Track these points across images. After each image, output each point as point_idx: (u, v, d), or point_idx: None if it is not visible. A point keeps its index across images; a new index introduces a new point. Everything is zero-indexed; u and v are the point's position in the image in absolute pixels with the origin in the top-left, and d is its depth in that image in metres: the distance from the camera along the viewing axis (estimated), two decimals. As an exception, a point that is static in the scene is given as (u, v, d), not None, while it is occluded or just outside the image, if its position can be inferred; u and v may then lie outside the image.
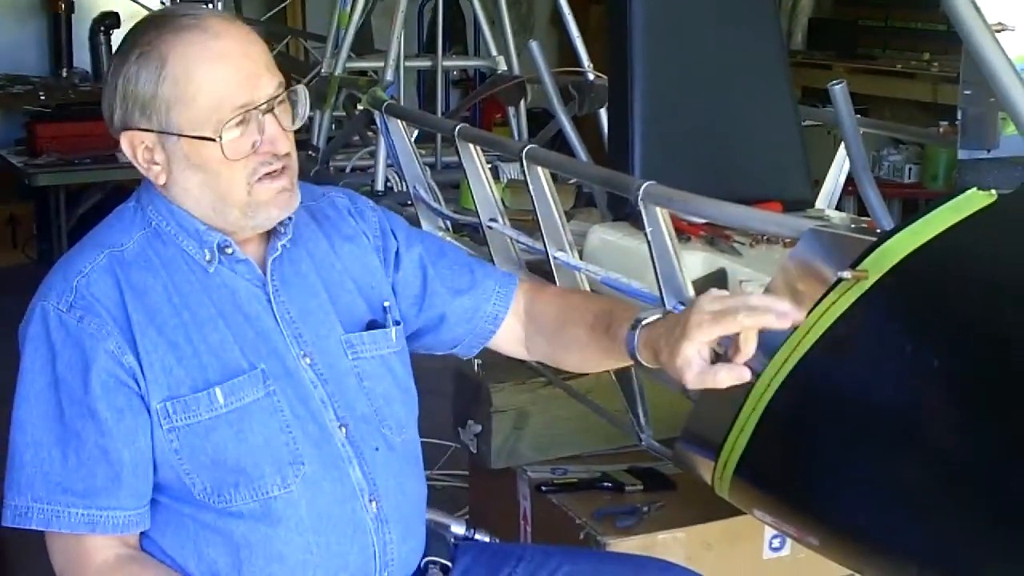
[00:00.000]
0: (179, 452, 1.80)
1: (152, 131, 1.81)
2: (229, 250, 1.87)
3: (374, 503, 1.88)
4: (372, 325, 1.97)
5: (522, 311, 2.10)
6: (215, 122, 1.78)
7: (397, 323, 2.01)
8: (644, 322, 1.83)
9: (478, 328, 2.09)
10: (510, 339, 2.12)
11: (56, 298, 1.80)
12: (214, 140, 1.78)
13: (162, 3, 7.95)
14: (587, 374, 2.73)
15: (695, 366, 1.68)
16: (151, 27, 1.82)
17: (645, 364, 1.84)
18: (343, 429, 1.88)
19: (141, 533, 1.84)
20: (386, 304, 2.00)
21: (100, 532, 1.78)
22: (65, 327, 1.78)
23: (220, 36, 1.79)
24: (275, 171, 1.83)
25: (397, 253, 2.05)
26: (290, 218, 1.92)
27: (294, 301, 1.91)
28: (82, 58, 7.82)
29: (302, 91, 1.89)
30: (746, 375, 1.66)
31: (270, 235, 1.92)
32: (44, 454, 1.77)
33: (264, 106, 1.80)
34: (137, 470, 1.79)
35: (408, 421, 1.99)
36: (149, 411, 1.79)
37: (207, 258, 1.86)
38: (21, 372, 1.80)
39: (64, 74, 7.69)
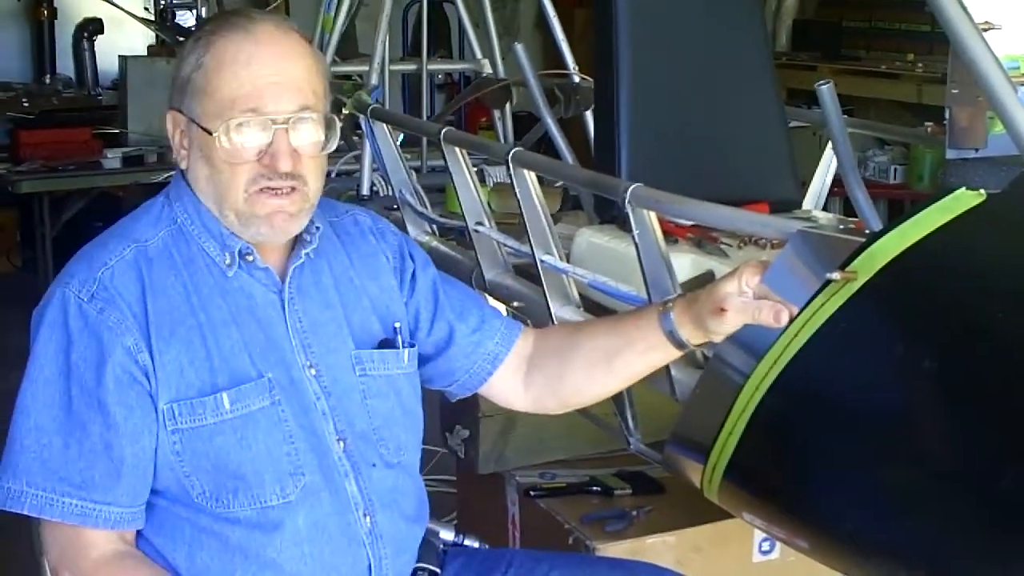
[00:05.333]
0: (181, 455, 1.79)
1: (183, 114, 1.85)
2: (250, 257, 1.87)
3: (368, 517, 1.88)
4: (384, 344, 1.98)
5: (525, 353, 2.10)
6: (223, 119, 1.80)
7: (412, 345, 2.02)
8: (674, 296, 1.90)
9: (477, 365, 2.09)
10: (507, 382, 2.11)
11: (78, 286, 1.79)
12: (211, 134, 1.80)
13: (145, 8, 7.96)
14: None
15: (740, 297, 1.75)
16: (218, 19, 1.89)
17: (681, 336, 1.87)
18: (341, 443, 1.88)
19: (137, 532, 1.83)
20: (396, 325, 2.00)
21: (91, 525, 1.77)
22: (84, 316, 1.77)
23: (261, 42, 1.82)
24: (278, 189, 1.82)
25: (413, 275, 2.06)
26: (317, 227, 1.93)
27: (308, 311, 1.91)
28: (65, 64, 7.81)
29: (334, 121, 1.88)
30: (784, 317, 1.68)
31: (295, 242, 1.92)
32: (45, 440, 1.76)
33: (280, 120, 1.80)
34: (137, 469, 1.78)
35: (409, 444, 1.99)
36: (156, 411, 1.78)
37: (227, 262, 1.86)
38: (32, 356, 1.79)
39: (47, 81, 7.69)
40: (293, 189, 1.83)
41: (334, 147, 1.90)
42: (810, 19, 8.21)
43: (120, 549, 1.80)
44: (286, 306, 1.89)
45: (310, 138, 1.84)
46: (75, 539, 1.79)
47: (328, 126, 1.87)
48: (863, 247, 1.61)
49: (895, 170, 6.47)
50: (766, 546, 2.69)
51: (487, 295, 2.67)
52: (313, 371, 1.88)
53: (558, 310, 2.35)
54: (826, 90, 1.87)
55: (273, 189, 1.82)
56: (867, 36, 7.79)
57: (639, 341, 1.93)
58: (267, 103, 1.80)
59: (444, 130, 2.65)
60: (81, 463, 1.76)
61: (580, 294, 2.36)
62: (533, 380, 2.09)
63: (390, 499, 1.91)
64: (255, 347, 1.85)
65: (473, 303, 2.13)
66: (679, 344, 1.88)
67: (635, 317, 1.97)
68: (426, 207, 3.02)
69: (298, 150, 1.82)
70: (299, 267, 1.91)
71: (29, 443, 1.77)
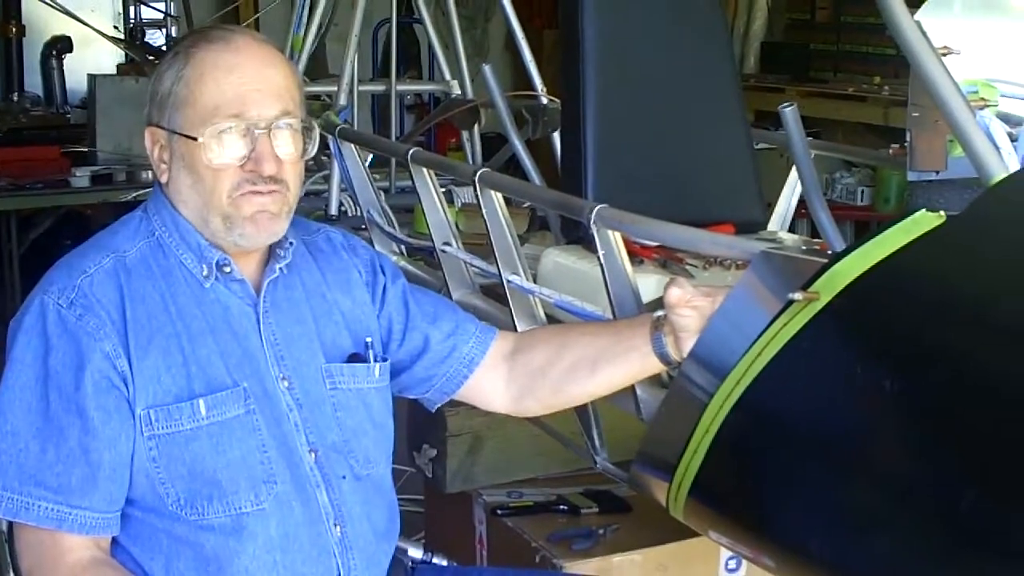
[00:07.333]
0: (157, 460, 1.80)
1: (163, 128, 1.87)
2: (227, 269, 1.89)
3: (338, 528, 1.89)
4: (354, 358, 1.99)
5: (504, 354, 2.11)
6: (206, 125, 1.82)
7: (384, 360, 2.03)
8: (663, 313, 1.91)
9: (453, 369, 2.10)
10: (488, 385, 2.12)
11: (57, 293, 1.81)
12: (196, 139, 1.82)
13: (115, 27, 7.94)
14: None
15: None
16: (193, 35, 1.95)
17: (667, 348, 1.90)
18: (313, 454, 1.89)
19: (113, 542, 1.83)
20: (368, 340, 2.02)
21: (66, 530, 1.78)
22: (63, 322, 1.79)
23: (239, 51, 1.85)
24: (260, 191, 1.85)
25: (384, 288, 2.08)
26: (291, 243, 1.95)
27: (281, 325, 1.92)
28: (33, 82, 7.76)
29: (312, 127, 1.92)
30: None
31: (269, 257, 1.94)
32: (21, 444, 1.77)
33: (263, 125, 1.83)
34: (114, 474, 1.79)
35: (377, 457, 1.99)
36: (133, 416, 1.79)
37: (204, 273, 1.88)
38: (10, 361, 1.80)
39: (15, 98, 7.63)
40: (274, 192, 1.86)
41: (313, 152, 1.93)
42: (778, 42, 8.26)
43: (96, 556, 1.80)
44: (260, 319, 1.91)
45: (291, 144, 1.87)
46: (51, 545, 1.79)
47: (307, 132, 1.90)
48: (825, 268, 1.63)
49: (862, 192, 6.51)
50: (732, 564, 2.70)
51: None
52: (286, 383, 1.90)
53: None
54: (789, 112, 1.89)
55: (257, 192, 1.85)
56: (834, 59, 7.84)
57: (627, 340, 1.96)
58: (250, 109, 1.83)
59: (412, 151, 2.67)
60: (58, 467, 1.77)
61: (546, 314, 2.38)
62: (515, 377, 2.10)
63: (360, 511, 1.92)
64: (231, 357, 1.87)
65: (446, 309, 2.14)
66: (664, 355, 1.91)
67: (626, 321, 2.00)
68: (394, 227, 3.03)
69: (280, 155, 1.85)
70: (273, 281, 1.93)
71: (6, 447, 1.77)
